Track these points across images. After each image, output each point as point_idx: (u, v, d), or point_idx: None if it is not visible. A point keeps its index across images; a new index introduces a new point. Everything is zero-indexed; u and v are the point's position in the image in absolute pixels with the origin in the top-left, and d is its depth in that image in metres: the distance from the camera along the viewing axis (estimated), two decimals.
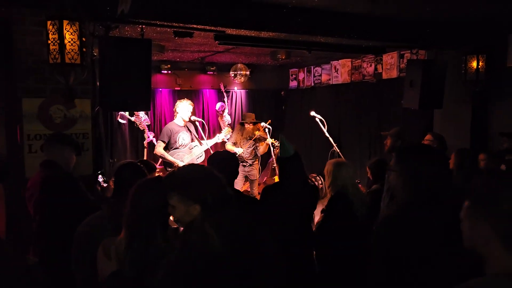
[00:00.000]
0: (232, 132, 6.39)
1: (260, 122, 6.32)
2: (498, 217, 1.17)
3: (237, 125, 6.53)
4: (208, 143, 5.70)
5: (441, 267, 1.73)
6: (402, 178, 1.87)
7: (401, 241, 1.75)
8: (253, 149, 6.32)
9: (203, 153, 5.65)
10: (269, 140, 6.27)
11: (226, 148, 6.26)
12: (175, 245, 1.78)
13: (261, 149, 6.43)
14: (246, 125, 6.26)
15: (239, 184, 6.22)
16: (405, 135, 4.02)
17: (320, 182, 6.68)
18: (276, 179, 6.50)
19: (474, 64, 4.53)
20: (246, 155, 6.25)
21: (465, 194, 1.30)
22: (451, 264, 1.71)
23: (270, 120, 6.40)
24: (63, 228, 2.42)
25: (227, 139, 6.35)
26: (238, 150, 6.13)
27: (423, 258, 1.73)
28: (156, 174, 5.58)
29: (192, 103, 5.61)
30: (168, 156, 5.36)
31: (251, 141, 6.20)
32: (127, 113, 6.45)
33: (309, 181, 3.11)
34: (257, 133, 6.21)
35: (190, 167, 1.91)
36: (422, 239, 1.74)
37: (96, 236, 2.05)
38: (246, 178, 6.40)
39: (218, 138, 6.09)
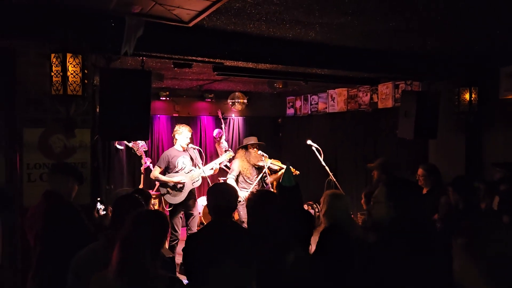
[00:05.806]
0: (233, 156, 5.86)
1: (258, 149, 5.65)
2: (488, 258, 1.23)
3: (239, 151, 5.77)
4: (205, 169, 5.53)
5: None
6: (392, 210, 2.01)
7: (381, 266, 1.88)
8: (260, 179, 5.61)
9: (200, 178, 5.53)
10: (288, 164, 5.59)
11: None
12: None
13: (271, 178, 5.80)
14: (250, 149, 5.62)
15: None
16: (388, 167, 4.20)
17: (317, 210, 6.68)
18: None
19: (467, 96, 4.62)
20: (256, 186, 5.54)
21: (459, 231, 1.37)
22: None
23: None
24: (64, 259, 2.42)
25: (228, 169, 5.95)
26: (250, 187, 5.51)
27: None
28: (152, 202, 5.62)
29: (190, 129, 5.56)
30: (162, 177, 5.33)
31: (257, 172, 5.63)
32: None
33: (306, 209, 3.15)
34: (267, 160, 5.57)
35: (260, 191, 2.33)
36: (401, 264, 1.84)
37: (90, 267, 2.07)
38: None
39: (218, 161, 5.83)
